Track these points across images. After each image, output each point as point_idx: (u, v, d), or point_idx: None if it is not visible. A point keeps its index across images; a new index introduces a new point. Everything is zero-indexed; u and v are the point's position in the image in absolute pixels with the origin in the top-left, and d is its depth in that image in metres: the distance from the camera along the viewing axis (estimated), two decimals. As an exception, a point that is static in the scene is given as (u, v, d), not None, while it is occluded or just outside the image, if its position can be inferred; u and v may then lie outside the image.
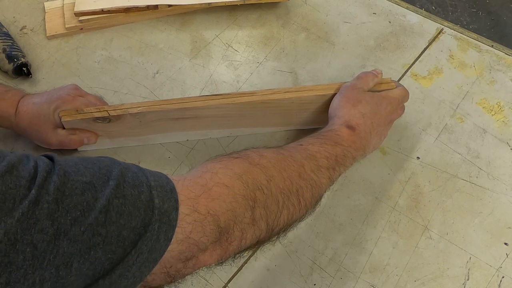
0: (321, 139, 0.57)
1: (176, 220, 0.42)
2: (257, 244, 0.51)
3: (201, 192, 0.45)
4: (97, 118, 0.64)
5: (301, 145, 0.57)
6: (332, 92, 0.65)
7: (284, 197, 0.51)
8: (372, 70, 0.67)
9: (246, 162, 0.51)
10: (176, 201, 0.43)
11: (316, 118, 0.69)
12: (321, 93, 0.65)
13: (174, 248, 0.42)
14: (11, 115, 0.64)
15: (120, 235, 0.39)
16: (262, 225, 0.49)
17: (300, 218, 0.54)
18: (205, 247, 0.45)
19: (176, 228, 0.42)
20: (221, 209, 0.46)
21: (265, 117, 0.68)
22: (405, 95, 0.67)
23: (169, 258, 0.43)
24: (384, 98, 0.64)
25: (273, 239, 0.53)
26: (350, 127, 0.59)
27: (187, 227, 0.43)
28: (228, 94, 0.66)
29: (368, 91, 0.65)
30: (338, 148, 0.57)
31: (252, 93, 0.65)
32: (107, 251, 0.38)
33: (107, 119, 0.64)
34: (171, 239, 0.42)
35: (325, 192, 0.57)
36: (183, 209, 0.43)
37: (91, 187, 0.39)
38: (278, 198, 0.50)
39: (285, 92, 0.65)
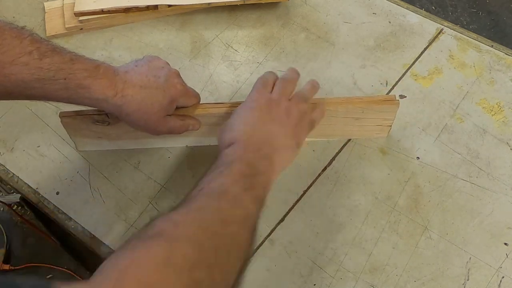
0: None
1: None
2: None
3: None
4: (97, 121, 0.63)
5: (202, 189, 0.48)
6: (333, 107, 0.65)
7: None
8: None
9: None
10: None
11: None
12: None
13: None
14: (109, 97, 0.55)
15: None
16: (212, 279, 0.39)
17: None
18: None
19: None
20: None
21: None
22: None
23: None
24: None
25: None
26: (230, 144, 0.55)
27: None
28: (229, 102, 0.65)
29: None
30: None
31: None
32: None
33: (106, 122, 0.64)
34: None
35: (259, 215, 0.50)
36: None
37: None
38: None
39: None
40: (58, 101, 0.55)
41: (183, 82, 0.63)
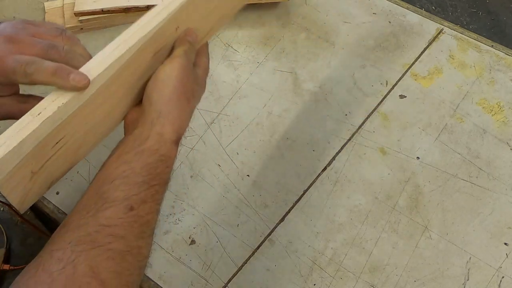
0: (154, 186, 0.45)
1: None
2: None
3: None
4: None
5: (132, 208, 0.43)
6: None
7: None
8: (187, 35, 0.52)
9: None
10: None
11: None
12: None
13: None
14: None
15: None
16: None
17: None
18: None
19: None
20: None
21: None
22: None
23: None
24: (203, 77, 0.53)
25: None
26: (178, 142, 0.48)
27: None
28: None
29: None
30: (167, 185, 0.47)
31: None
32: None
33: None
34: None
35: None
36: None
37: None
38: None
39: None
40: None
41: (28, 31, 0.48)
